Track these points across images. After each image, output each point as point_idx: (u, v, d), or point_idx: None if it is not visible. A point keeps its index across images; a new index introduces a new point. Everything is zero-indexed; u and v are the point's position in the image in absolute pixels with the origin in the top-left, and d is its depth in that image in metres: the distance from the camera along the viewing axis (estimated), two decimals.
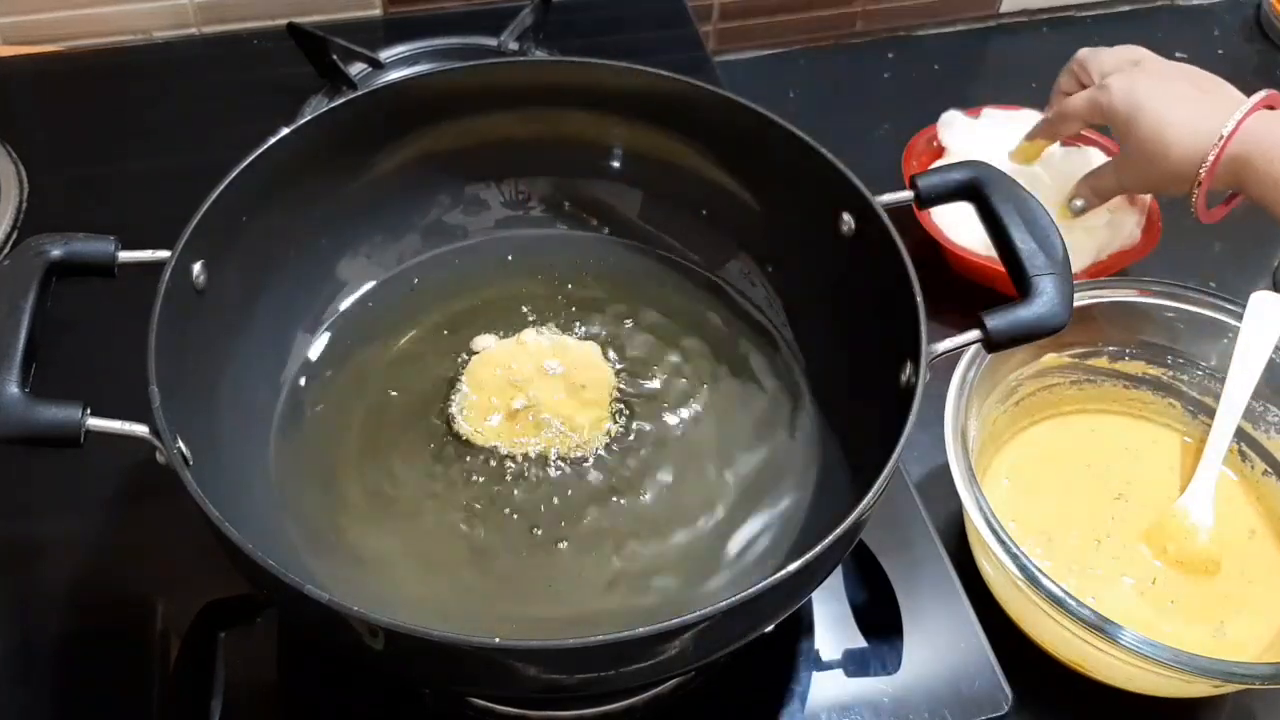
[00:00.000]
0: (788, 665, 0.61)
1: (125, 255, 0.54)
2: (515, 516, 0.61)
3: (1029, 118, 0.92)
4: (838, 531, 0.48)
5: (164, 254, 0.54)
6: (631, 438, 0.65)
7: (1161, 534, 0.67)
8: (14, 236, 0.82)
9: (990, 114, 0.92)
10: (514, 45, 0.95)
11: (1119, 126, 0.75)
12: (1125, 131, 0.74)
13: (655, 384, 0.67)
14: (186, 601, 0.62)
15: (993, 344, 0.55)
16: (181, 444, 0.49)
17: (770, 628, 0.50)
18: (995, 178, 0.59)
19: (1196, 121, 0.71)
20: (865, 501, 0.48)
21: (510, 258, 0.74)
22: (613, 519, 0.61)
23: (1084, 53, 0.80)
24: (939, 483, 0.68)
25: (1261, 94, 0.72)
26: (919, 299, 0.54)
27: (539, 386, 0.65)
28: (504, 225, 0.75)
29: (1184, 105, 0.72)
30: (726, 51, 1.11)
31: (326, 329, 0.69)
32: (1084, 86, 0.79)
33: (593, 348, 0.68)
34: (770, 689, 0.60)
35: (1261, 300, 0.70)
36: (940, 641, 0.62)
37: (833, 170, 0.61)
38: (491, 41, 0.96)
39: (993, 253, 0.59)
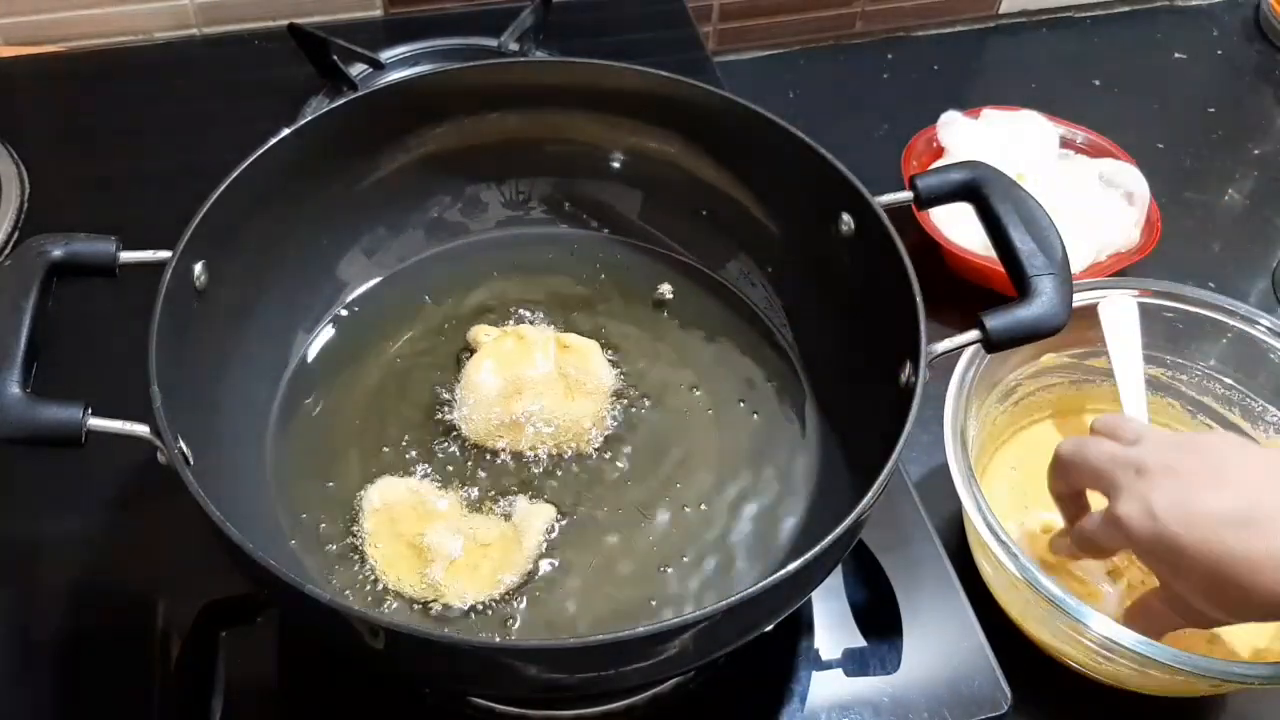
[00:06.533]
0: (788, 665, 0.61)
1: (126, 255, 0.54)
2: (513, 515, 0.61)
3: (1029, 118, 0.92)
4: (838, 531, 0.48)
5: (165, 254, 0.54)
6: (631, 436, 0.65)
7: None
8: (15, 237, 0.82)
9: (990, 114, 0.92)
10: (514, 46, 0.95)
11: (1157, 567, 0.56)
12: (1172, 572, 0.55)
13: (654, 383, 0.67)
14: (186, 601, 0.62)
15: (992, 344, 0.55)
16: (182, 444, 0.49)
17: (770, 627, 0.51)
18: (994, 178, 0.59)
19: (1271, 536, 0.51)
20: (865, 501, 0.48)
21: (510, 257, 0.74)
22: (612, 517, 0.61)
23: (1064, 452, 0.60)
24: (939, 483, 0.68)
25: None
26: (918, 299, 0.54)
27: (539, 385, 0.65)
28: (504, 225, 0.75)
29: (1245, 526, 0.52)
30: (726, 52, 1.11)
31: (327, 328, 0.69)
32: (1074, 490, 0.61)
33: (593, 347, 0.68)
34: (770, 689, 0.60)
35: (1109, 307, 0.70)
36: (940, 641, 0.62)
37: (832, 170, 0.61)
38: (492, 42, 0.96)
39: (992, 253, 0.59)
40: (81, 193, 0.86)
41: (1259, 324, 0.70)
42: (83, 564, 0.64)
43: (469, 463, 0.63)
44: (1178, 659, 0.55)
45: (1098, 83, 1.08)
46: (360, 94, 0.68)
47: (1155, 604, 0.58)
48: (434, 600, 0.57)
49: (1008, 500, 0.70)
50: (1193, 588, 0.54)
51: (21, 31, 0.97)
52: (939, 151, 0.91)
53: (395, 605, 0.57)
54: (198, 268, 0.57)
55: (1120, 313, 0.70)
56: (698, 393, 0.67)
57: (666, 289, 0.72)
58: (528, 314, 0.71)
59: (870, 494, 0.49)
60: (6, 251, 0.81)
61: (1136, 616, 0.59)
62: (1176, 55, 1.13)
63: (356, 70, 0.92)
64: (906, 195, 0.60)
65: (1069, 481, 0.61)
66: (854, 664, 0.61)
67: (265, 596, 0.57)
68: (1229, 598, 0.53)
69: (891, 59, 1.10)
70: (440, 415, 0.65)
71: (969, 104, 0.93)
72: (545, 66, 0.75)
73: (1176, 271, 0.87)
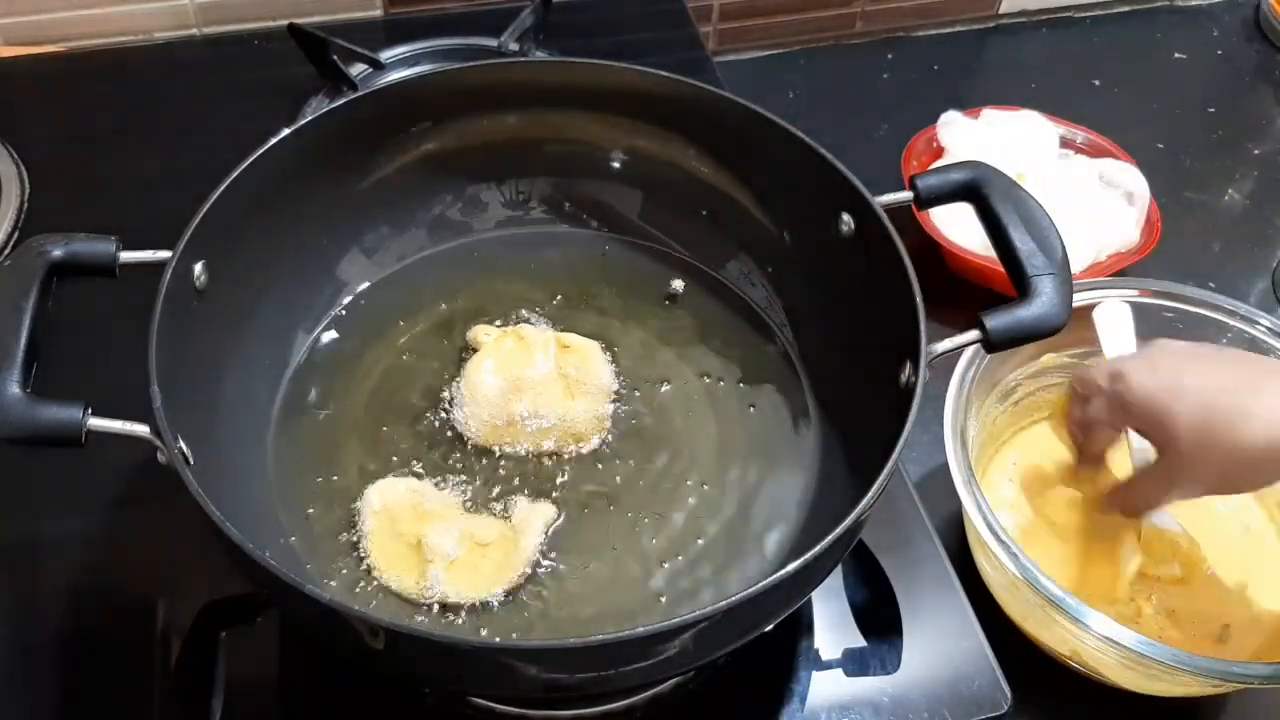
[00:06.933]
0: (788, 665, 0.61)
1: (126, 255, 0.54)
2: (513, 514, 0.61)
3: (1029, 118, 0.92)
4: (837, 531, 0.48)
5: (165, 254, 0.54)
6: (630, 436, 0.65)
7: (1148, 555, 0.67)
8: (15, 237, 0.82)
9: (990, 114, 0.92)
10: (514, 46, 0.95)
11: (1155, 424, 0.57)
12: (1168, 427, 0.56)
13: (654, 383, 0.67)
14: (186, 601, 0.62)
15: (992, 344, 0.55)
16: (182, 443, 0.49)
17: (770, 627, 0.51)
18: (994, 178, 0.59)
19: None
20: (865, 501, 0.48)
21: (511, 257, 0.74)
22: (611, 517, 0.61)
23: (1080, 373, 0.64)
24: (939, 483, 0.68)
25: None
26: (918, 299, 0.54)
27: (539, 385, 0.65)
28: (504, 225, 0.75)
29: (1249, 386, 0.55)
30: (726, 52, 1.11)
31: (327, 328, 0.69)
32: (1087, 415, 0.64)
33: (593, 347, 0.68)
34: (770, 689, 0.60)
35: (1103, 311, 0.70)
36: (940, 641, 0.62)
37: (832, 170, 0.61)
38: (492, 42, 0.96)
39: (992, 253, 0.59)
40: (81, 193, 0.86)
41: (1259, 324, 0.70)
42: (83, 564, 0.64)
43: (469, 463, 0.63)
44: (1178, 659, 0.55)
45: (1098, 83, 1.08)
46: (360, 94, 0.68)
47: (1148, 481, 0.61)
48: (434, 600, 0.57)
49: (1008, 500, 0.70)
50: (1183, 442, 0.56)
51: (22, 31, 0.97)
52: (939, 151, 0.91)
53: (395, 605, 0.57)
54: (198, 268, 0.57)
55: (1114, 317, 0.70)
56: (697, 392, 0.67)
57: (679, 284, 0.72)
58: (528, 314, 0.71)
59: (870, 494, 0.49)
60: (7, 251, 0.81)
61: (1120, 491, 0.64)
62: (1176, 55, 1.13)
63: (356, 70, 0.92)
64: (906, 195, 0.60)
65: (1087, 395, 0.63)
66: (854, 664, 0.61)
67: (265, 596, 0.57)
68: (1216, 450, 0.55)
69: (891, 59, 1.10)
70: (440, 415, 0.65)
71: (969, 104, 0.93)
72: (545, 66, 0.75)
73: (1176, 271, 0.87)
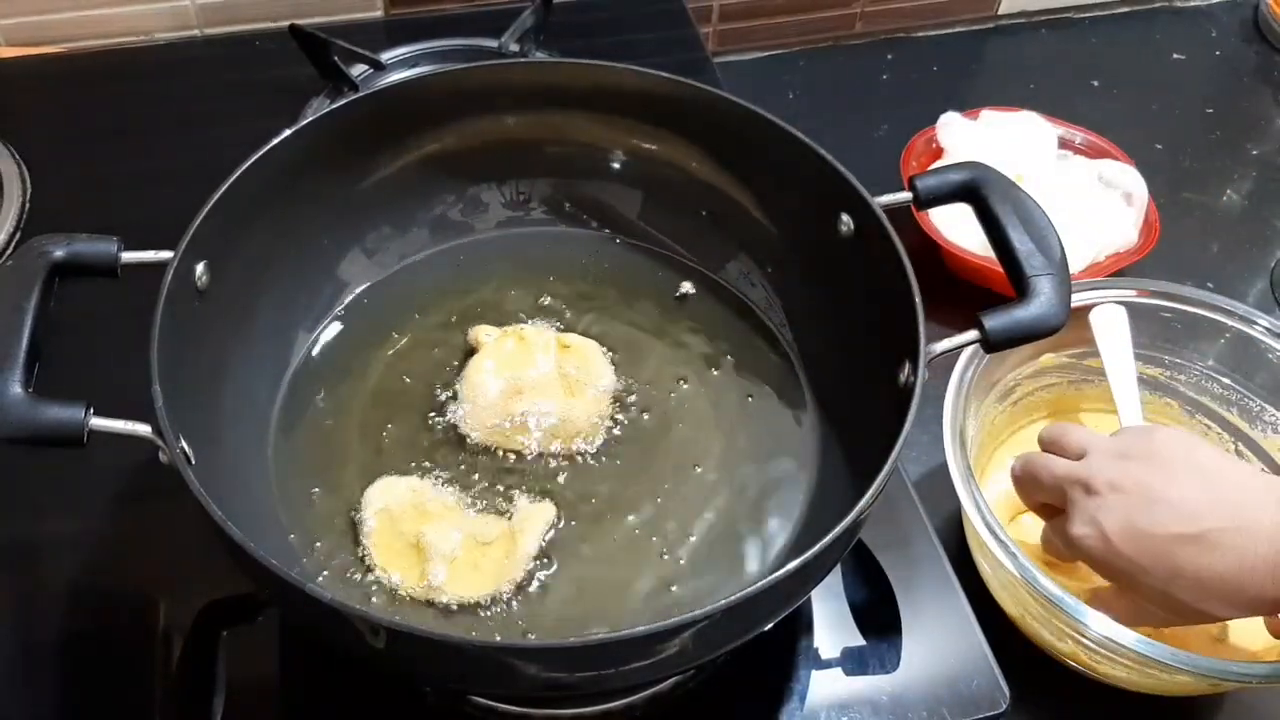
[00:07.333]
0: (787, 664, 0.61)
1: (128, 256, 0.54)
2: (514, 514, 0.61)
3: (1028, 119, 0.92)
4: (837, 531, 0.48)
5: (166, 254, 0.54)
6: (630, 436, 0.65)
7: None
8: (17, 237, 0.82)
9: (989, 115, 0.92)
10: (515, 47, 0.95)
11: (1114, 580, 0.59)
12: (1128, 586, 0.57)
13: (654, 383, 0.68)
14: (187, 601, 0.62)
15: (991, 344, 0.55)
16: (184, 443, 0.49)
17: (770, 626, 0.51)
18: (993, 179, 0.59)
19: (1222, 558, 0.53)
20: (864, 501, 0.49)
21: (511, 258, 0.74)
22: (611, 516, 0.61)
23: (1016, 471, 0.64)
24: (938, 483, 0.68)
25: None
26: (918, 299, 0.55)
27: (539, 385, 0.65)
28: (505, 225, 0.75)
29: (1194, 543, 0.53)
30: (726, 52, 1.11)
31: (327, 328, 0.69)
32: (1039, 503, 0.63)
33: (593, 347, 0.68)
34: (770, 688, 0.60)
35: (1099, 314, 0.70)
36: (939, 640, 0.62)
37: (832, 171, 0.61)
38: (492, 43, 0.96)
39: (991, 253, 0.59)
40: (83, 193, 0.86)
41: (1257, 324, 0.70)
42: (83, 564, 0.64)
43: (469, 462, 0.63)
44: (1177, 659, 0.56)
45: (1097, 83, 1.08)
46: (361, 95, 0.68)
47: (1115, 600, 0.59)
48: (434, 599, 0.57)
49: (1006, 500, 0.70)
50: (1149, 601, 0.56)
51: (23, 32, 0.97)
52: (938, 152, 0.91)
53: (395, 604, 0.57)
54: (199, 268, 0.57)
55: (1111, 319, 0.70)
56: (697, 392, 0.67)
57: (688, 286, 0.72)
58: (528, 314, 0.71)
59: (869, 493, 0.49)
60: (8, 252, 0.81)
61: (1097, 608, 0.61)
62: (1176, 55, 1.13)
63: (357, 71, 0.93)
64: (906, 196, 0.60)
65: (1030, 497, 0.64)
66: (853, 663, 0.61)
67: (266, 596, 0.57)
68: (1184, 613, 0.55)
69: (891, 59, 1.10)
70: (441, 415, 0.65)
71: (968, 104, 0.93)
72: (545, 67, 0.75)
73: (1175, 272, 0.87)
